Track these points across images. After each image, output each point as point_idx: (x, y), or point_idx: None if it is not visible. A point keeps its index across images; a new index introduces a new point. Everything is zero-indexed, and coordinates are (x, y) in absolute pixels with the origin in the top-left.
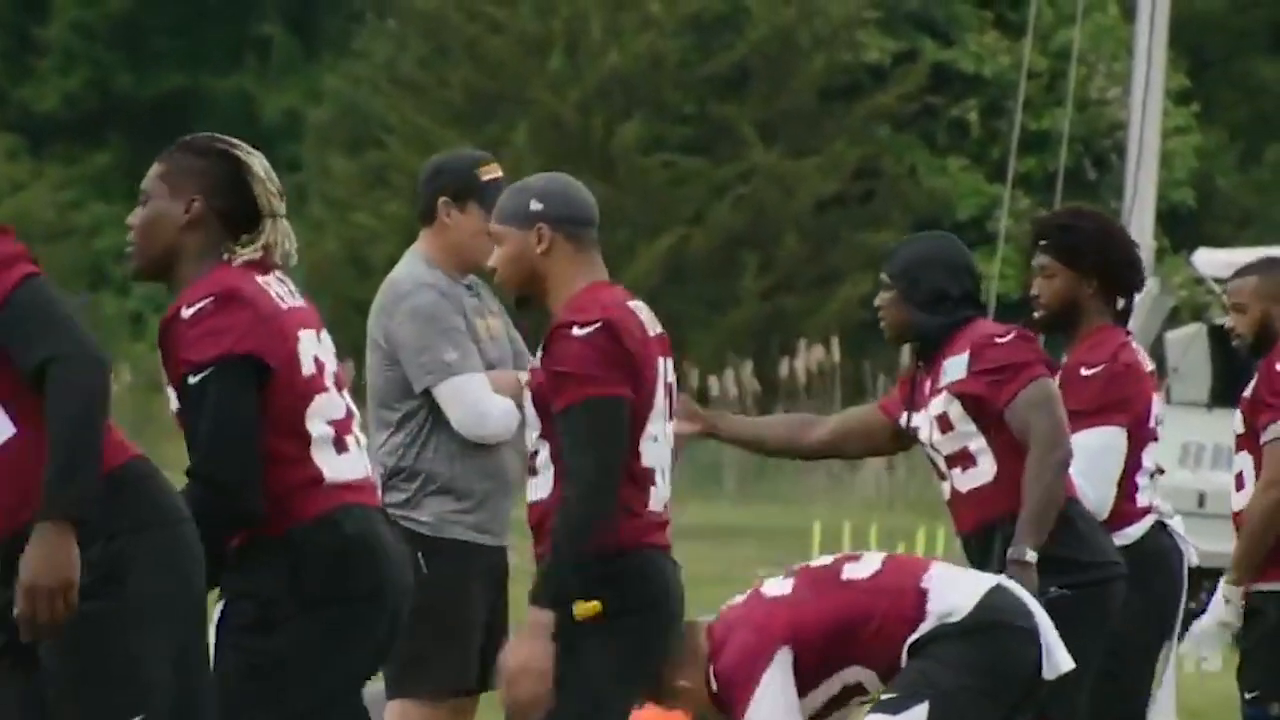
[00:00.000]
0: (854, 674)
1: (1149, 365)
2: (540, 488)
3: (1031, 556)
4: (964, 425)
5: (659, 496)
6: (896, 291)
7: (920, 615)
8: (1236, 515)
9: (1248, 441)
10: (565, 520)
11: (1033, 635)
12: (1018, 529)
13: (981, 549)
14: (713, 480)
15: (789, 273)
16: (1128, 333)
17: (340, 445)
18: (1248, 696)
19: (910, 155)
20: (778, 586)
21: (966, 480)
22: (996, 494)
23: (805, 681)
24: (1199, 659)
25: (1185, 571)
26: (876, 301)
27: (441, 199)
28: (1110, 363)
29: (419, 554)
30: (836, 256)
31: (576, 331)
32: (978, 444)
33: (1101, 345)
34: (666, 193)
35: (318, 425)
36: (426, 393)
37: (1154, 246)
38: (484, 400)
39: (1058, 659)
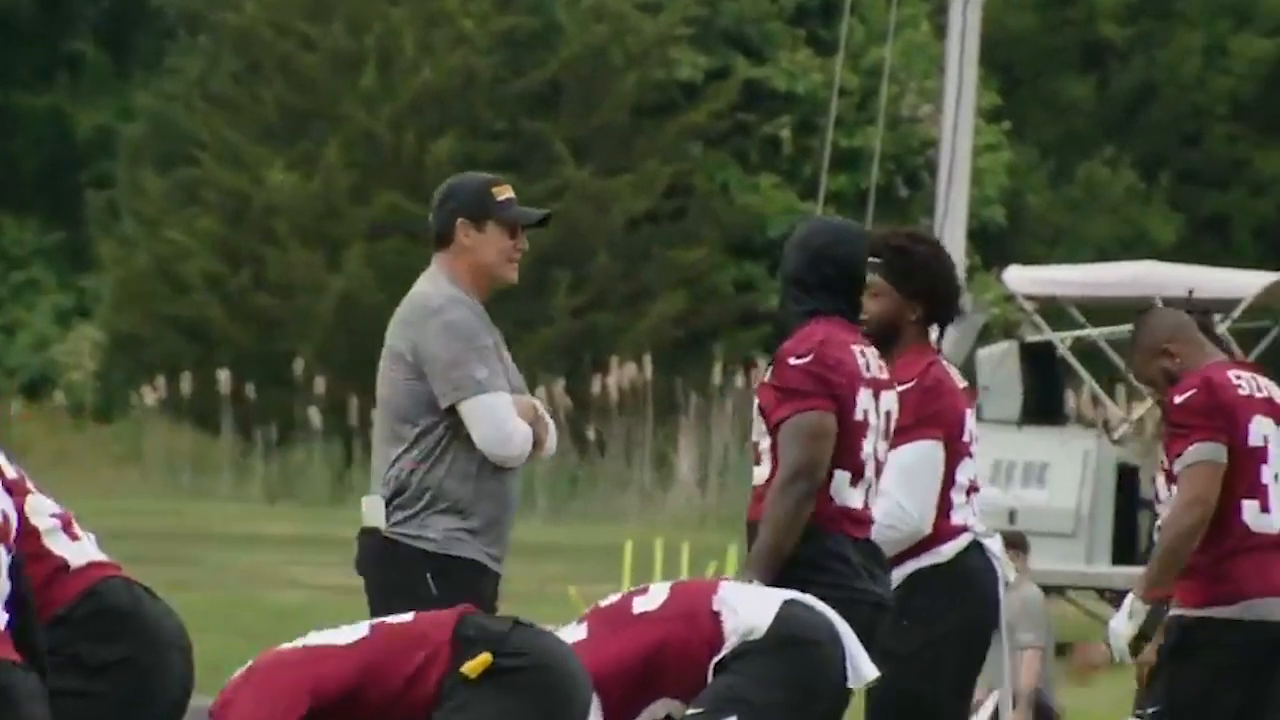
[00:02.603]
0: (662, 707)
1: (961, 381)
2: None
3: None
4: (759, 423)
5: None
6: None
7: (719, 637)
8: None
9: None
10: None
11: (836, 646)
12: (749, 558)
13: (750, 542)
14: (524, 498)
15: (601, 290)
16: (937, 351)
17: (71, 535)
18: (1149, 712)
19: (722, 173)
20: (572, 634)
21: (756, 474)
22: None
23: None
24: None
25: (1000, 591)
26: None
27: (459, 220)
28: (921, 378)
29: (427, 575)
30: (648, 274)
31: None
32: (765, 444)
33: (912, 363)
34: None
35: (42, 520)
36: (450, 410)
37: (965, 264)
38: (510, 420)
39: (862, 668)
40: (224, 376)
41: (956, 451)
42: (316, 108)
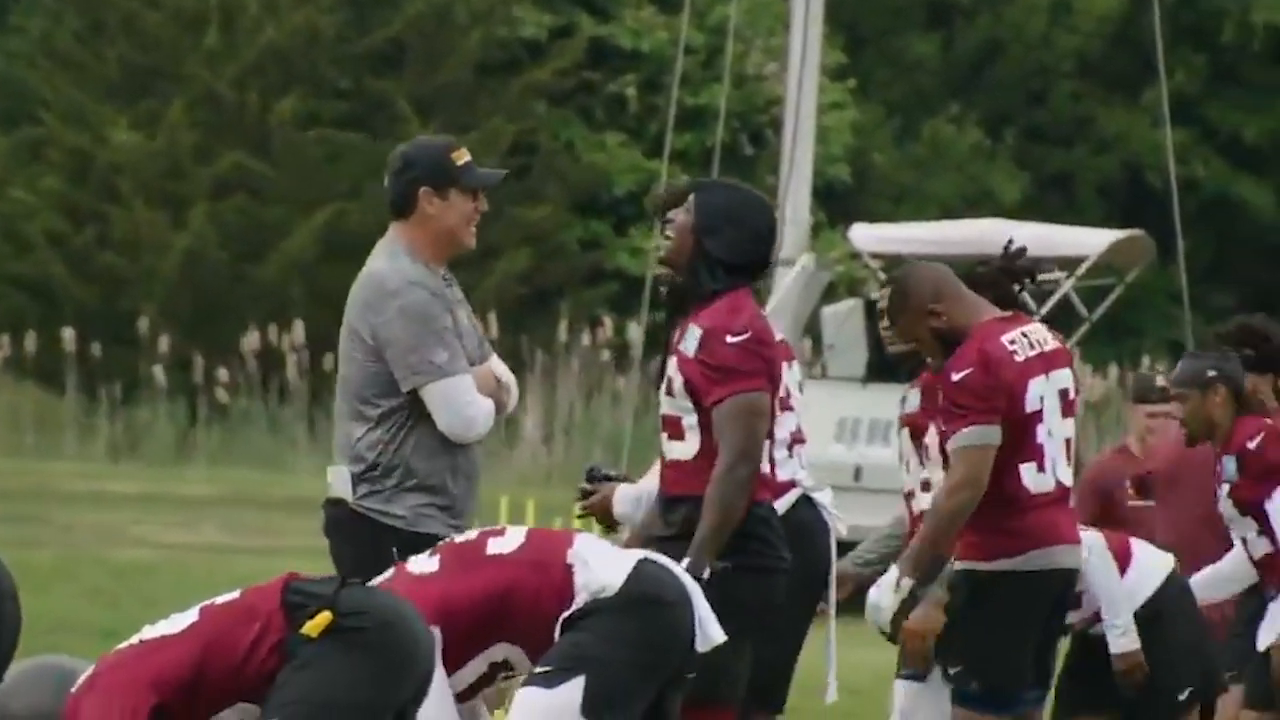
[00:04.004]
0: (502, 651)
1: (779, 334)
2: None
3: (707, 574)
4: (682, 399)
5: None
6: (693, 224)
7: (570, 590)
8: None
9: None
10: None
11: (686, 608)
12: (695, 543)
13: (667, 516)
14: None
15: None
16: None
17: None
18: (950, 672)
19: (567, 131)
20: (423, 564)
21: (672, 449)
22: (694, 472)
23: (453, 660)
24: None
25: (832, 544)
26: (671, 216)
27: (422, 189)
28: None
29: (394, 550)
30: (493, 232)
31: None
32: (690, 420)
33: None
34: (323, 168)
35: None
36: (412, 391)
37: (810, 222)
38: (472, 404)
39: (710, 631)
40: (68, 335)
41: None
42: (160, 66)
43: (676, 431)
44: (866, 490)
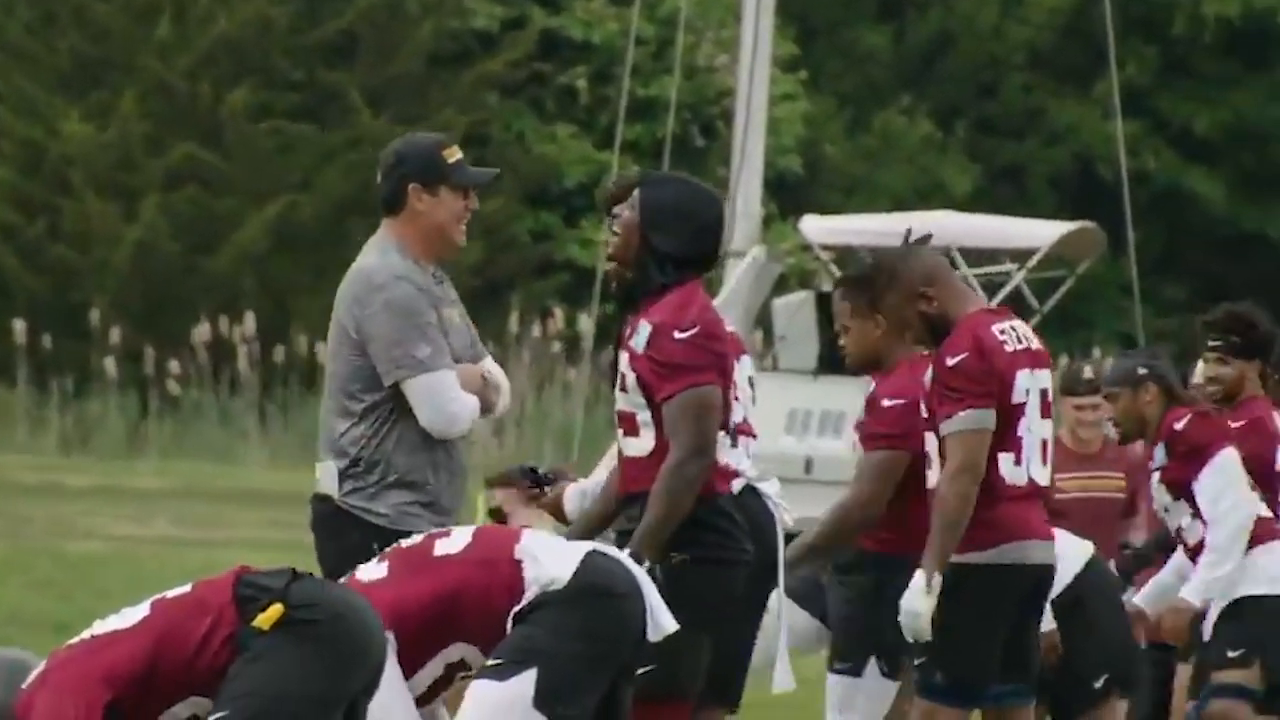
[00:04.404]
0: (458, 651)
1: (730, 326)
2: None
3: (646, 565)
4: (635, 395)
5: None
6: (639, 220)
7: (519, 585)
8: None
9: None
10: None
11: (636, 598)
12: (637, 534)
13: (627, 512)
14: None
15: None
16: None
17: None
18: (916, 662)
19: (519, 122)
20: (372, 570)
21: (629, 445)
22: (651, 467)
23: (409, 663)
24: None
25: (779, 535)
26: (618, 211)
27: (411, 185)
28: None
29: (375, 546)
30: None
31: None
32: (644, 416)
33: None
34: (275, 159)
35: None
36: (394, 385)
37: (761, 213)
38: (455, 400)
39: (662, 621)
40: (19, 327)
41: None
42: (112, 58)
43: (631, 428)
44: (817, 482)
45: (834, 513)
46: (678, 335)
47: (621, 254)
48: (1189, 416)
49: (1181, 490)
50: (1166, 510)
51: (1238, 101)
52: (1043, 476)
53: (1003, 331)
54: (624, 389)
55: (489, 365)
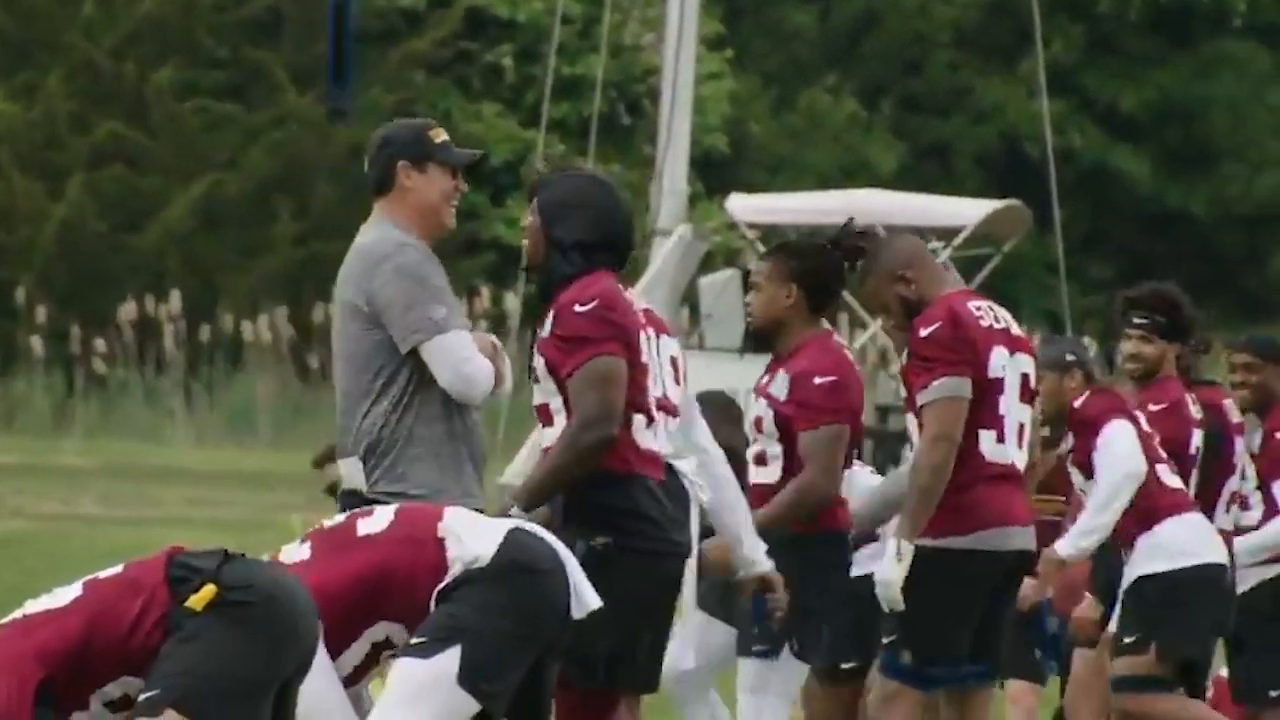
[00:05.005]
0: (383, 630)
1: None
2: None
3: (518, 513)
4: (547, 382)
5: None
6: (540, 221)
7: (443, 563)
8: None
9: (910, 405)
10: None
11: (560, 575)
12: (519, 487)
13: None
14: (247, 424)
15: (322, 219)
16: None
17: None
18: (884, 641)
19: (445, 100)
20: (295, 553)
21: (546, 436)
22: None
23: (335, 644)
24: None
25: (695, 512)
26: (523, 223)
27: (400, 164)
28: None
29: None
30: (370, 202)
31: None
32: (556, 403)
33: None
34: (200, 138)
35: None
36: (412, 353)
37: (688, 192)
38: (472, 359)
39: (586, 598)
40: None
41: None
42: (37, 37)
43: (547, 418)
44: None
45: (791, 494)
46: (578, 309)
47: (532, 257)
48: (1085, 394)
49: (1089, 469)
50: (1083, 491)
51: (1163, 80)
52: (1021, 459)
53: (979, 309)
54: (536, 380)
55: (494, 338)
